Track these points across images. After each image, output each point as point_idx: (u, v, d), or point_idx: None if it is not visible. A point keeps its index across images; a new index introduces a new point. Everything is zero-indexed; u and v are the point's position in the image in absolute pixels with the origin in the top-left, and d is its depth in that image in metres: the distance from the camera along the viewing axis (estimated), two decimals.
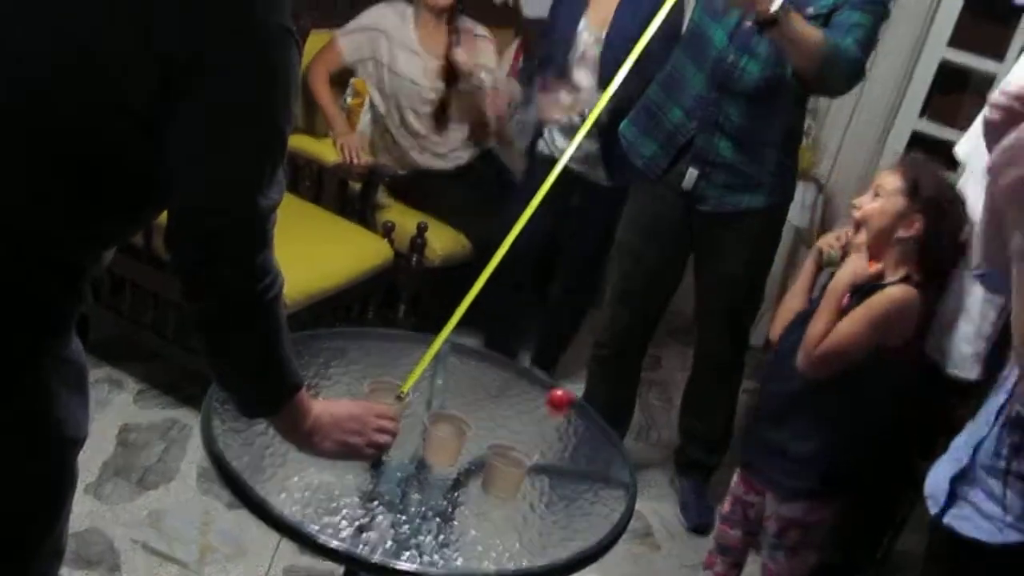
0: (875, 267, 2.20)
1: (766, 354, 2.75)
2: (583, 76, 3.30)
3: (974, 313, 2.29)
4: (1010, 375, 1.68)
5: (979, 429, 1.72)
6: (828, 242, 2.39)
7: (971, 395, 2.22)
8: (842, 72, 2.52)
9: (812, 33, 2.44)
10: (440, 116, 3.65)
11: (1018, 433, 1.65)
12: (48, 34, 1.24)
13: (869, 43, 2.53)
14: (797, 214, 3.90)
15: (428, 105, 3.63)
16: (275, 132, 1.30)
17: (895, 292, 2.16)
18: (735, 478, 2.49)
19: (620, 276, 3.03)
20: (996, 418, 1.68)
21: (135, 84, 1.23)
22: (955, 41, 4.11)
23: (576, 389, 3.24)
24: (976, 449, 1.70)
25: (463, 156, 3.78)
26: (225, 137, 1.27)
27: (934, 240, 2.14)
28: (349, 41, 3.62)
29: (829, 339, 2.16)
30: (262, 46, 1.25)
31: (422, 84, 3.61)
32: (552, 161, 3.26)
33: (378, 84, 3.64)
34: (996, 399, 1.70)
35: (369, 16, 3.63)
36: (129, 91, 1.24)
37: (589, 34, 3.27)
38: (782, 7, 2.37)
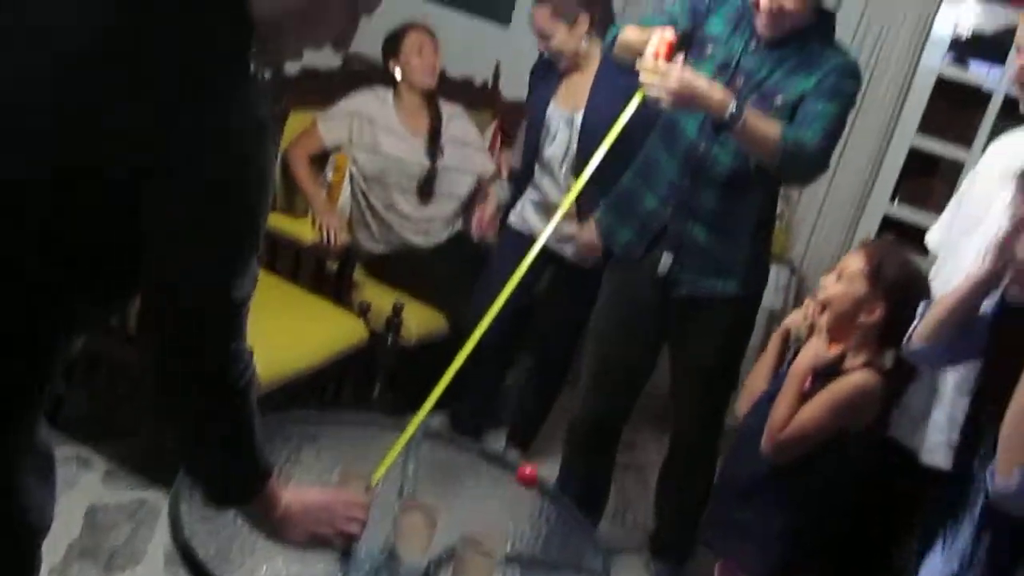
0: (835, 350, 2.22)
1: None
2: (555, 158, 3.35)
3: (945, 401, 2.30)
4: (987, 475, 1.69)
5: (963, 533, 1.72)
6: (795, 320, 2.40)
7: (943, 481, 2.22)
8: (803, 165, 2.56)
9: (770, 131, 2.47)
10: (425, 190, 3.70)
11: (997, 536, 1.66)
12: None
13: (834, 133, 2.56)
14: (771, 296, 3.92)
15: (414, 180, 3.68)
16: (249, 225, 1.30)
17: (857, 378, 2.17)
18: (716, 572, 2.47)
19: (595, 360, 3.03)
20: (980, 520, 1.70)
21: (102, 183, 1.23)
22: (924, 127, 4.19)
23: (551, 469, 3.23)
24: (963, 553, 1.71)
25: (443, 234, 3.81)
26: (197, 231, 1.27)
27: (895, 328, 2.15)
28: (329, 126, 3.66)
29: (792, 424, 2.17)
30: (236, 145, 1.25)
31: (408, 161, 3.66)
32: (523, 236, 3.31)
33: (361, 167, 3.68)
34: (975, 506, 1.72)
35: (351, 102, 3.69)
36: (95, 190, 1.23)
37: (559, 116, 3.33)
38: (737, 108, 2.42)
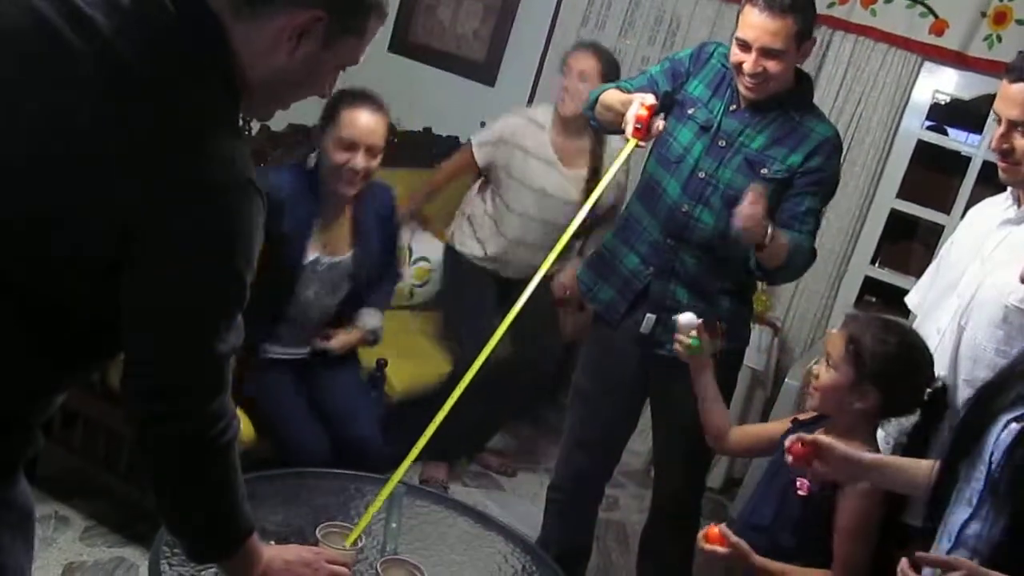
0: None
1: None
2: (309, 304, 3.00)
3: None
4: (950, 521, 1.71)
5: None
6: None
7: (915, 538, 2.20)
8: (798, 267, 2.69)
9: (785, 245, 2.55)
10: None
11: None
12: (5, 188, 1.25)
13: (818, 225, 2.70)
14: (753, 357, 3.96)
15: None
16: (234, 281, 1.31)
17: (857, 504, 2.13)
18: None
19: (576, 422, 3.02)
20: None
21: (92, 236, 1.24)
22: (903, 193, 4.25)
23: (533, 527, 3.20)
24: None
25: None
26: (181, 285, 1.28)
27: (887, 410, 2.18)
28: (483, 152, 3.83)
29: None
30: (222, 199, 1.27)
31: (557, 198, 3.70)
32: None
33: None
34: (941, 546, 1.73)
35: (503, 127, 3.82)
36: (85, 244, 1.24)
37: (322, 260, 2.96)
38: (769, 235, 2.48)
